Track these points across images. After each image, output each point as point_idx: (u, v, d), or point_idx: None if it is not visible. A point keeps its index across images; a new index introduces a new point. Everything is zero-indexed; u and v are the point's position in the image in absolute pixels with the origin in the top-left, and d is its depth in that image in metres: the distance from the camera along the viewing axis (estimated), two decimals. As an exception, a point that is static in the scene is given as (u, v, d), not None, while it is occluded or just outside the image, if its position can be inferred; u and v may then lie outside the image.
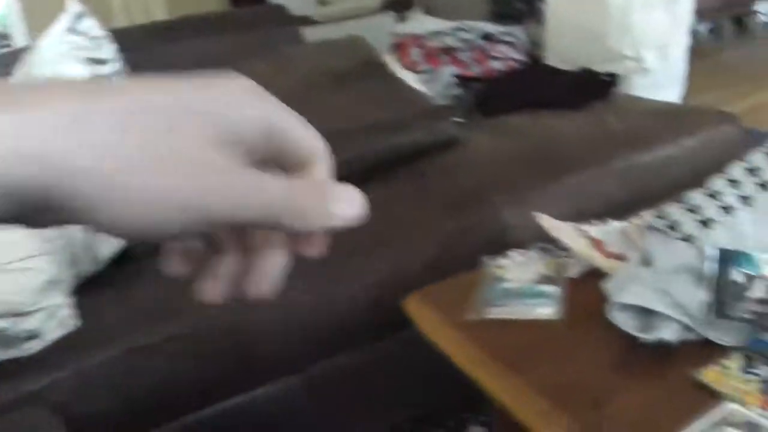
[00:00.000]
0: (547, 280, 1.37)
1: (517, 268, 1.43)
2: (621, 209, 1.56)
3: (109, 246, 1.80)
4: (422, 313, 1.42)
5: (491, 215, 1.91)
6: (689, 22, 3.02)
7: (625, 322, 1.16)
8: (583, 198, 1.93)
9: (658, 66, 2.95)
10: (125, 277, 1.79)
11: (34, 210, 0.35)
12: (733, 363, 1.11)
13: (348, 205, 0.40)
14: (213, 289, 0.42)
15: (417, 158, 2.17)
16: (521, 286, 1.37)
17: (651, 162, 2.02)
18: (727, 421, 0.99)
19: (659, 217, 1.30)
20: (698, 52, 4.58)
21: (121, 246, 1.83)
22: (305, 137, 0.41)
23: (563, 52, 2.92)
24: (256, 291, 0.42)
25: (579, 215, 1.55)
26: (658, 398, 1.09)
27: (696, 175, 1.43)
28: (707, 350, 1.15)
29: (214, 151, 0.38)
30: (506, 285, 1.38)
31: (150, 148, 0.37)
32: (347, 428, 1.85)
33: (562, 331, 1.26)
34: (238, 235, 0.42)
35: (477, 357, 1.25)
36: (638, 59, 2.88)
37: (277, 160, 0.40)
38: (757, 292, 1.16)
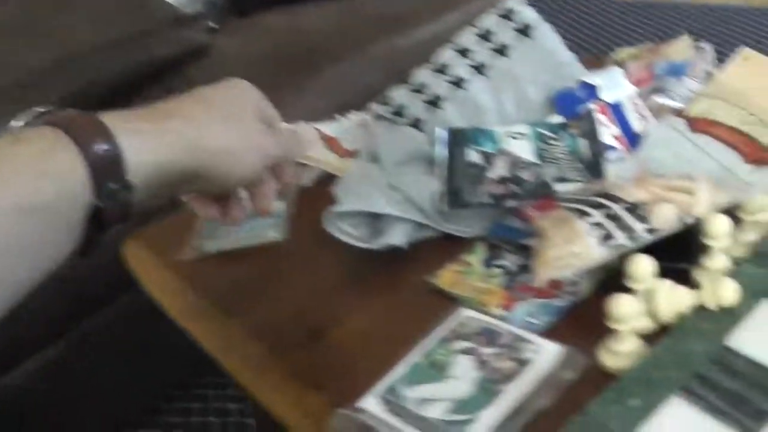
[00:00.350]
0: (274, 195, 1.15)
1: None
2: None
3: None
4: (139, 257, 1.18)
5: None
6: None
7: (347, 232, 0.96)
8: (343, 91, 1.73)
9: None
10: None
11: (186, 182, 0.67)
12: (475, 257, 0.93)
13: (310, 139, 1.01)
14: (240, 212, 0.78)
15: (164, 73, 1.92)
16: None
17: (414, 44, 1.83)
18: (458, 333, 0.81)
19: (384, 103, 1.09)
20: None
21: None
22: (272, 107, 0.78)
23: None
24: (264, 208, 0.78)
25: (342, 109, 1.34)
26: (389, 314, 0.90)
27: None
28: (450, 247, 0.96)
29: (261, 123, 0.74)
30: (230, 208, 1.15)
31: (239, 128, 0.71)
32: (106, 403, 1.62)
33: (287, 255, 1.05)
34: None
35: (188, 302, 1.03)
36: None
37: None
38: (497, 170, 0.98)
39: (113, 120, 0.59)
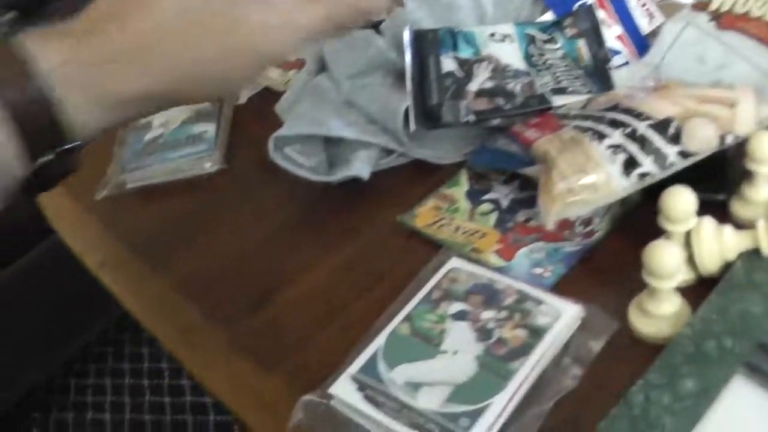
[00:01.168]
0: (202, 116, 0.95)
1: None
2: None
3: None
4: (55, 197, 0.97)
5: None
6: None
7: (297, 161, 0.77)
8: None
9: None
10: None
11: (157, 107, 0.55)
12: (459, 190, 0.76)
13: None
14: None
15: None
16: (169, 132, 0.95)
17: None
18: (447, 292, 0.64)
19: None
20: None
21: None
22: None
23: None
24: None
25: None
26: (354, 267, 0.72)
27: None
28: (425, 178, 0.79)
29: None
30: (150, 135, 0.95)
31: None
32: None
33: (223, 190, 0.86)
34: None
35: (105, 252, 0.84)
36: None
37: None
38: (478, 81, 0.79)
39: (47, 55, 0.46)
